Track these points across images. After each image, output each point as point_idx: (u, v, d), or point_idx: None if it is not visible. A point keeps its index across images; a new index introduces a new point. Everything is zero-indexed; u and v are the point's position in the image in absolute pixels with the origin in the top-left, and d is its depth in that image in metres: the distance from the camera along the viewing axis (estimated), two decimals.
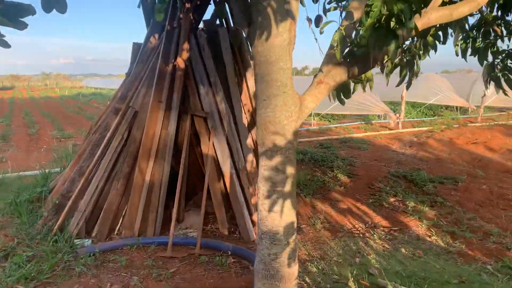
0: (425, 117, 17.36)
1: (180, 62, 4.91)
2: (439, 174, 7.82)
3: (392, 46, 2.13)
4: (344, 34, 2.33)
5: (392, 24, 2.16)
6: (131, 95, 5.11)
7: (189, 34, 5.04)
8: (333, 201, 6.58)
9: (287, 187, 2.52)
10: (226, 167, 4.92)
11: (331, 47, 2.56)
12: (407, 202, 6.35)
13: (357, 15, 2.39)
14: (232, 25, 5.55)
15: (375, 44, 2.16)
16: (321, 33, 3.97)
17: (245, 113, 5.47)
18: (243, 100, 5.51)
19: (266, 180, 2.54)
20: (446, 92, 16.79)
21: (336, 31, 2.34)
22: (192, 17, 5.11)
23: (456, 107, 19.07)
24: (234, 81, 5.28)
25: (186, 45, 4.95)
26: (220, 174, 5.01)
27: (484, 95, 15.65)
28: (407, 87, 3.45)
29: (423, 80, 17.04)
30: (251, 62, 5.73)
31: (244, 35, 5.40)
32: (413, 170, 8.01)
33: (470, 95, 18.29)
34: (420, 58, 3.41)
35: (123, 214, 4.93)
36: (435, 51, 3.57)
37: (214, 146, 4.96)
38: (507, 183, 7.20)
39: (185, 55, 4.95)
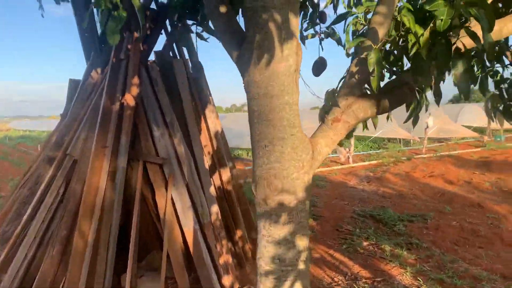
0: (371, 150, 17.49)
1: (129, 99, 4.14)
2: (405, 211, 7.48)
3: (459, 68, 1.58)
4: (381, 55, 1.74)
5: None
6: (69, 141, 4.22)
7: (139, 67, 4.30)
8: None
9: (301, 266, 1.83)
10: (188, 222, 4.12)
11: (351, 75, 1.97)
12: (382, 246, 5.85)
13: (382, 31, 1.84)
14: (187, 56, 4.90)
15: (435, 67, 1.59)
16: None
17: (205, 155, 4.76)
18: (203, 141, 4.81)
19: (271, 257, 1.84)
20: (390, 124, 17.08)
21: (369, 52, 1.75)
22: (141, 48, 4.40)
23: (399, 139, 19.51)
24: (193, 120, 4.58)
25: (135, 79, 4.20)
26: (180, 230, 4.19)
27: (427, 126, 16.07)
28: (414, 123, 2.94)
29: None
30: (210, 98, 5.08)
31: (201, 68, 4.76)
32: (379, 208, 7.60)
33: (412, 127, 18.82)
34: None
35: (61, 287, 3.94)
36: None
37: (173, 198, 4.16)
38: (475, 218, 6.96)
39: (135, 90, 4.19)
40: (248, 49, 1.78)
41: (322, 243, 6.19)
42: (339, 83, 2.58)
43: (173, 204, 4.17)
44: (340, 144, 2.44)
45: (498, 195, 8.29)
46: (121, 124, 4.17)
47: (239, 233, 5.15)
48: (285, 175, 1.81)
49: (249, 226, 5.47)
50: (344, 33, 2.35)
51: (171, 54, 4.77)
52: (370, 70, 1.70)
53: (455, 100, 42.60)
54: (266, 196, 1.83)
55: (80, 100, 4.54)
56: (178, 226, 4.16)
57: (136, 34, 4.30)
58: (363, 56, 1.84)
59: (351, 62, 1.98)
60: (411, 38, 1.60)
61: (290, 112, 1.81)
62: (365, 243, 6.07)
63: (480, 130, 20.94)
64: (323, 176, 11.11)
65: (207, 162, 4.73)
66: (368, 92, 2.04)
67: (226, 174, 5.08)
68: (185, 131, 4.51)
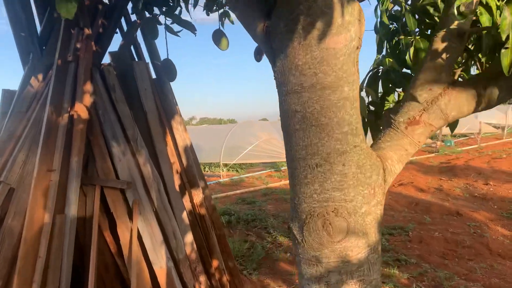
0: None
1: (80, 110, 3.33)
2: (384, 223, 7.05)
3: None
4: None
5: None
6: (3, 164, 3.34)
7: (92, 70, 3.52)
8: (285, 276, 5.29)
9: None
10: (160, 260, 3.36)
11: (435, 53, 1.37)
12: None
13: None
14: (149, 58, 4.15)
15: None
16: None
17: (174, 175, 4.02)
18: (170, 158, 4.06)
19: None
20: None
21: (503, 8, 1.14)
22: (94, 48, 3.61)
23: None
24: (160, 134, 3.84)
25: (88, 86, 3.41)
26: (149, 268, 3.42)
27: None
28: None
29: None
30: (177, 107, 4.35)
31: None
32: None
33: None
34: None
35: None
36: None
37: (139, 230, 3.38)
38: (456, 227, 6.66)
39: (87, 99, 3.39)
40: (285, 15, 1.15)
41: None
42: (366, 76, 1.99)
43: (140, 237, 3.40)
44: None
45: (472, 201, 8.11)
46: (70, 142, 3.34)
47: (215, 263, 4.41)
48: (351, 209, 1.19)
49: (225, 253, 4.75)
50: None
51: (129, 56, 4.01)
52: (504, 38, 1.12)
53: None
54: (322, 246, 1.20)
55: (16, 114, 3.65)
56: (147, 265, 3.38)
57: (87, 31, 3.51)
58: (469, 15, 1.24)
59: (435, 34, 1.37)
60: None
61: (352, 112, 1.19)
62: None
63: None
64: (288, 189, 10.55)
65: (176, 182, 3.99)
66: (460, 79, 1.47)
67: (198, 195, 4.34)
68: (150, 147, 3.75)
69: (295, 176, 1.29)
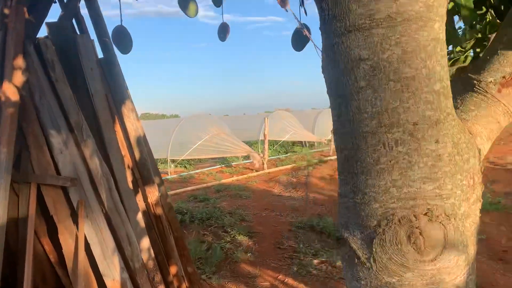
0: (279, 155, 17.07)
1: (10, 91, 2.70)
2: None
3: None
4: None
5: None
6: None
7: (25, 43, 2.88)
8: (247, 278, 4.89)
9: None
10: (113, 271, 2.82)
11: None
12: (337, 263, 5.07)
13: None
14: (95, 34, 3.54)
15: None
16: None
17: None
18: (121, 150, 3.50)
19: None
20: (298, 128, 16.86)
21: None
22: (27, 15, 2.97)
23: (304, 142, 19.51)
24: (109, 122, 3.27)
25: (20, 61, 2.77)
26: (99, 281, 2.86)
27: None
28: None
29: (275, 118, 16.81)
30: (128, 91, 3.77)
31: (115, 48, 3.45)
32: (316, 217, 6.86)
33: (314, 130, 18.90)
34: None
35: None
36: None
37: (87, 236, 2.82)
38: None
39: (19, 78, 2.76)
40: None
41: (267, 266, 5.21)
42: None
43: (88, 244, 2.83)
44: None
45: None
46: None
47: (173, 270, 3.91)
48: (449, 209, 0.80)
49: (184, 258, 4.26)
50: None
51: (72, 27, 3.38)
52: None
53: None
54: (405, 268, 0.79)
55: None
56: (96, 277, 2.83)
57: None
58: None
59: None
60: None
61: (443, 62, 0.80)
62: (315, 262, 5.23)
63: None
64: (242, 185, 10.16)
65: (129, 179, 3.44)
66: None
67: (153, 193, 3.81)
68: (97, 137, 3.17)
69: (357, 160, 0.87)
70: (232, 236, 6.14)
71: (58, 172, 2.87)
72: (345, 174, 0.97)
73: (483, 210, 4.39)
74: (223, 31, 3.84)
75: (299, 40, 2.54)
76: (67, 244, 2.83)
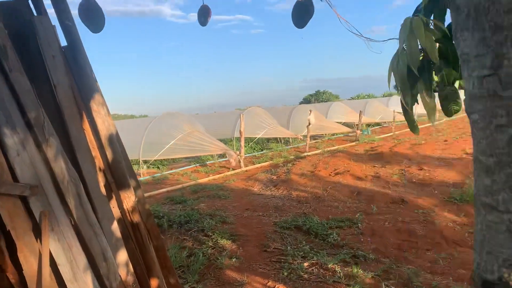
0: (254, 152, 16.72)
1: None
2: (330, 216, 6.56)
3: None
4: None
5: None
6: None
7: None
8: (235, 286, 4.50)
9: None
10: None
11: None
12: (329, 265, 4.75)
13: None
14: (57, 18, 3.05)
15: None
16: None
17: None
18: (91, 151, 3.04)
19: None
20: (273, 124, 16.54)
21: None
22: None
23: (279, 138, 19.23)
24: (76, 117, 2.80)
25: None
26: None
27: (309, 123, 15.90)
28: None
29: (249, 114, 16.42)
30: (97, 84, 3.30)
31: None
32: (301, 217, 6.55)
33: (289, 126, 18.64)
34: None
35: None
36: None
37: (52, 253, 2.36)
38: (405, 215, 6.36)
39: None
40: None
41: (254, 272, 4.84)
42: None
43: (55, 263, 2.38)
44: None
45: (412, 187, 7.97)
46: None
47: (154, 283, 3.48)
48: None
49: (165, 268, 3.83)
50: None
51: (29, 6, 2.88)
52: None
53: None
54: None
55: None
56: None
57: None
58: None
59: None
60: None
61: None
62: (305, 264, 4.90)
63: (347, 125, 21.86)
64: (220, 184, 9.74)
65: (101, 183, 2.98)
66: None
67: (129, 198, 3.36)
68: (63, 135, 2.71)
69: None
70: (214, 240, 5.74)
71: (15, 178, 2.40)
72: (477, 176, 0.61)
73: (471, 203, 4.14)
74: (204, 14, 3.43)
75: (302, 13, 2.16)
76: (28, 264, 2.37)
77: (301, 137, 16.56)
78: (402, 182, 8.31)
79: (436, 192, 7.47)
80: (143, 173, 12.51)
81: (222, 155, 14.08)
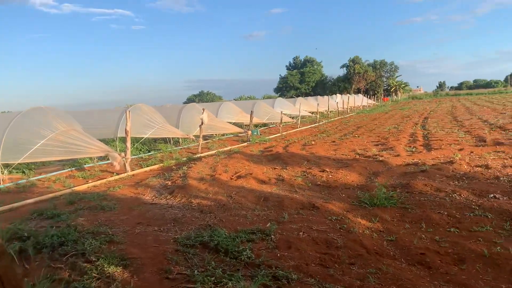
0: (141, 153, 15.23)
1: None
2: (239, 227, 5.75)
3: None
4: None
5: None
6: None
7: None
8: None
9: None
10: None
11: None
12: None
13: None
14: None
15: None
16: None
17: None
18: None
19: None
20: (162, 123, 15.21)
21: None
22: None
23: (168, 139, 17.96)
24: None
25: None
26: None
27: (202, 123, 14.96)
28: None
29: (135, 112, 14.84)
30: None
31: None
32: (206, 230, 5.63)
33: (179, 125, 17.48)
34: None
35: None
36: None
37: None
38: (319, 223, 5.84)
39: None
40: None
41: None
42: None
43: None
44: None
45: (318, 190, 7.55)
46: None
47: None
48: None
49: None
50: None
51: None
52: None
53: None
54: None
55: None
56: None
57: None
58: None
59: None
60: None
61: None
62: None
63: (237, 126, 21.42)
64: (102, 193, 8.28)
65: None
66: None
67: None
68: None
69: None
70: (99, 267, 4.50)
71: None
72: None
73: (381, 207, 3.49)
74: None
75: None
76: None
77: (193, 137, 15.56)
78: (307, 185, 7.88)
79: (343, 195, 7.15)
80: (3, 180, 10.31)
81: (103, 157, 12.41)
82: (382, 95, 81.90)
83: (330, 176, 8.46)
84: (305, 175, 8.79)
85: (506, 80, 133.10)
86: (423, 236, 5.34)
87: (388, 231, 5.56)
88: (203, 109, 15.41)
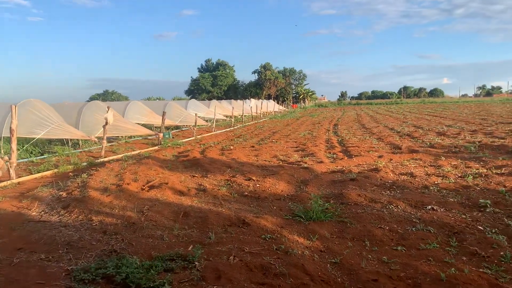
0: (32, 157, 13.08)
1: None
2: (154, 252, 4.62)
3: None
4: None
5: None
6: None
7: None
8: None
9: None
10: None
11: None
12: None
13: None
14: None
15: None
16: None
17: None
18: None
19: None
20: (57, 123, 13.21)
21: None
22: None
23: (66, 140, 15.84)
24: None
25: None
26: None
27: (106, 123, 13.26)
28: None
29: (25, 108, 12.69)
30: None
31: None
32: (110, 257, 4.41)
33: (79, 125, 15.49)
34: None
35: None
36: None
37: None
38: (252, 244, 4.92)
39: None
40: None
41: None
42: None
43: None
44: None
45: (247, 203, 6.62)
46: None
47: None
48: None
49: None
50: None
51: None
52: None
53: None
54: None
55: None
56: None
57: None
58: None
59: None
60: None
61: None
62: None
63: (146, 127, 19.78)
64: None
65: None
66: None
67: None
68: None
69: None
70: None
71: None
72: None
73: (318, 221, 2.48)
74: None
75: None
76: None
77: (95, 139, 13.78)
78: (233, 196, 6.92)
79: (275, 207, 6.31)
80: None
81: None
82: (291, 102, 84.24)
83: (258, 185, 7.60)
84: (229, 184, 7.82)
85: (399, 92, 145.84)
86: (370, 256, 4.68)
87: (330, 251, 4.82)
88: (108, 107, 13.73)
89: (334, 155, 11.80)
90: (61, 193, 7.08)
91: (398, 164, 10.06)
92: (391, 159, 10.77)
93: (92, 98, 77.43)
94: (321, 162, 10.45)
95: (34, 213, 6.16)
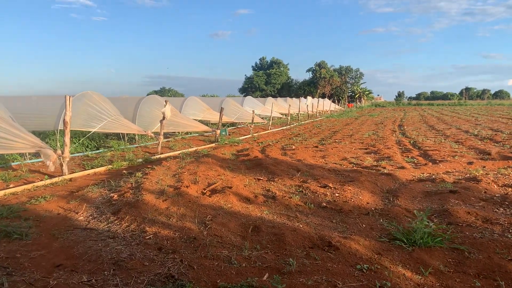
0: (87, 151, 12.64)
1: None
2: (218, 280, 3.59)
3: None
4: None
5: None
6: None
7: None
8: None
9: None
10: None
11: None
12: None
13: None
14: None
15: None
16: None
17: None
18: None
19: None
20: (115, 116, 12.69)
21: None
22: None
23: (121, 135, 15.40)
24: None
25: None
26: None
27: (164, 117, 12.58)
28: None
29: (81, 101, 12.25)
30: None
31: None
32: (165, 282, 3.43)
33: (136, 120, 14.99)
34: None
35: None
36: None
37: None
38: (343, 276, 3.76)
39: None
40: None
41: None
42: None
43: None
44: None
45: (327, 216, 5.46)
46: None
47: None
48: None
49: None
50: None
51: None
52: None
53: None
54: None
55: None
56: None
57: None
58: None
59: None
60: None
61: None
62: None
63: (203, 124, 19.07)
64: (19, 205, 5.82)
65: None
66: None
67: None
68: None
69: None
70: None
71: None
72: None
73: (424, 247, 1.46)
74: None
75: None
76: None
77: (152, 134, 13.15)
78: (309, 207, 5.79)
79: (364, 225, 5.11)
80: None
81: (38, 154, 9.83)
82: (347, 101, 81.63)
83: (336, 194, 6.40)
84: (301, 191, 6.69)
85: (461, 93, 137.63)
86: None
87: None
88: (166, 101, 13.05)
89: (414, 160, 10.34)
90: (112, 194, 6.27)
91: (495, 172, 8.48)
92: (484, 166, 9.18)
93: (149, 95, 79.08)
94: (402, 167, 9.04)
95: (81, 217, 5.36)
